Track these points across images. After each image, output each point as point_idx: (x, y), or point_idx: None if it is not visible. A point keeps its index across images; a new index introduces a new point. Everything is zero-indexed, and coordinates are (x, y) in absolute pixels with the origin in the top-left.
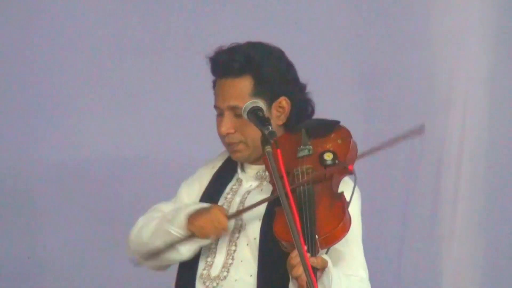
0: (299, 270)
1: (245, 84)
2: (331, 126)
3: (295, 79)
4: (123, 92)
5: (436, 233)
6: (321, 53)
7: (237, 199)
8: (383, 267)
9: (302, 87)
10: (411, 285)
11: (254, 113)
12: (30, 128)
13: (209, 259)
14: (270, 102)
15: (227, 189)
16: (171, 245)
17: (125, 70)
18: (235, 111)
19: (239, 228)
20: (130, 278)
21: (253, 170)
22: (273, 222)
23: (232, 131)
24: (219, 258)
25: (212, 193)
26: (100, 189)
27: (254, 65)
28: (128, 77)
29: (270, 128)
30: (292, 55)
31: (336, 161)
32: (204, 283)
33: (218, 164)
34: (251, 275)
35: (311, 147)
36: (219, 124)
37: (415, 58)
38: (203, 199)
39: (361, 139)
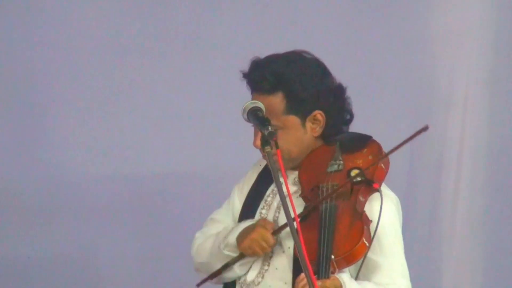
0: None
1: (276, 101)
2: (364, 141)
3: (331, 89)
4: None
5: (436, 233)
6: (319, 54)
7: (275, 204)
8: None
9: (339, 95)
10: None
11: (254, 113)
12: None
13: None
14: (304, 117)
15: (269, 191)
16: (227, 266)
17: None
18: None
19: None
20: None
21: (292, 175)
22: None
23: None
24: (257, 264)
25: (254, 195)
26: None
27: (285, 83)
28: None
29: (270, 128)
30: None
31: (362, 179)
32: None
33: (264, 163)
34: (285, 283)
35: (342, 162)
36: (254, 137)
37: (415, 58)
38: (247, 200)
39: None
